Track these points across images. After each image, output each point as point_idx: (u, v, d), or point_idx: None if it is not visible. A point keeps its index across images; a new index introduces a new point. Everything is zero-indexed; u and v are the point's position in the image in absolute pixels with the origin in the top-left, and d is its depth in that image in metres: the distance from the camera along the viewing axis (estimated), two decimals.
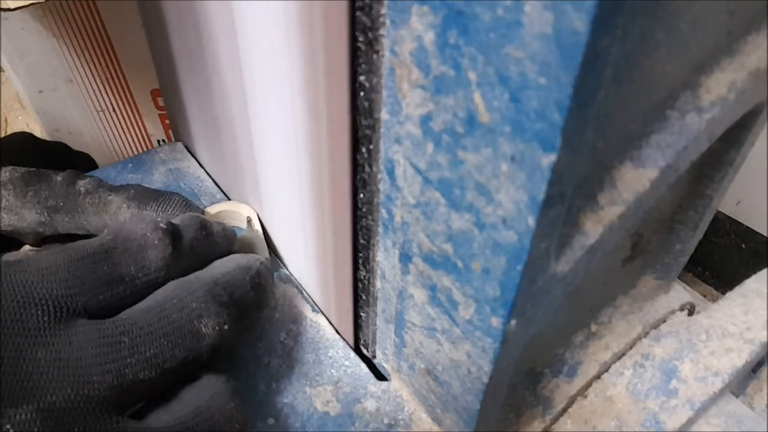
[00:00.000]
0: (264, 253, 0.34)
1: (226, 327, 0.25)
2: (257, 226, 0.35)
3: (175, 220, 0.28)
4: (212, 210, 0.36)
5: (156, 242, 0.26)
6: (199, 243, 0.28)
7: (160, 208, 0.32)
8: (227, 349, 0.26)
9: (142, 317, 0.23)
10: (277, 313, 0.32)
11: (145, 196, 0.33)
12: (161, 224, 0.26)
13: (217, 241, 0.29)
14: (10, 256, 0.23)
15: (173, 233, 0.26)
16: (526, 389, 0.29)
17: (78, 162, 0.50)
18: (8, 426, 0.19)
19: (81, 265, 0.24)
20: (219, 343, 0.25)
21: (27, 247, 0.34)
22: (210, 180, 0.41)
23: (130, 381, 0.22)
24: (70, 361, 0.21)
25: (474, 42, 0.14)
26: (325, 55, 0.20)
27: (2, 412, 0.19)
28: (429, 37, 0.16)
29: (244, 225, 0.36)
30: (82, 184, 0.32)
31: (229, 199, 0.39)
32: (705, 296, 0.53)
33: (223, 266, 0.27)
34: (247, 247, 0.34)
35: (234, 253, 0.30)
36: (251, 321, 0.28)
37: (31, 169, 0.32)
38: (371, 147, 0.21)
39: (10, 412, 0.19)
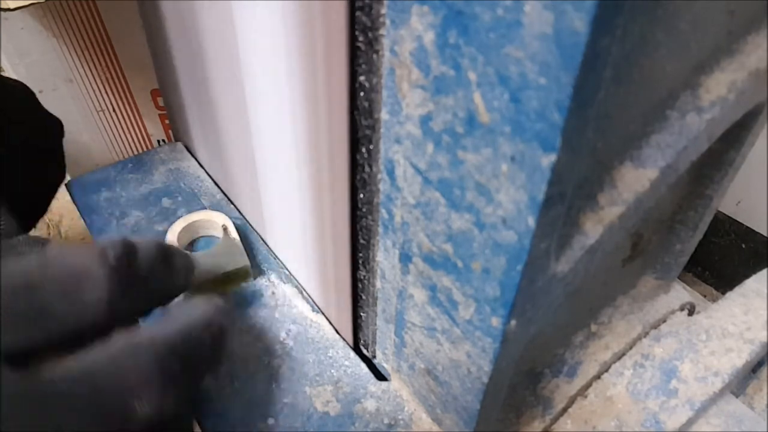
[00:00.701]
0: (243, 260, 0.33)
1: (167, 403, 0.21)
2: (234, 234, 0.34)
3: (136, 241, 0.24)
4: (186, 220, 0.35)
5: (99, 280, 0.22)
6: (156, 276, 0.25)
7: None
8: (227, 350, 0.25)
9: (66, 386, 0.20)
10: (277, 313, 0.32)
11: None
12: (110, 254, 0.23)
13: (175, 275, 0.26)
14: None
15: (125, 261, 0.23)
16: (526, 389, 0.29)
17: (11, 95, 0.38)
18: None
19: None
20: (156, 418, 0.21)
21: None
22: (210, 180, 0.41)
23: None
24: None
25: (474, 42, 0.14)
26: (325, 55, 0.20)
27: None
28: (429, 37, 0.16)
29: (219, 233, 0.35)
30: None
31: (229, 200, 0.39)
32: (705, 296, 0.53)
33: (181, 321, 0.23)
34: (226, 256, 0.33)
35: (188, 284, 0.28)
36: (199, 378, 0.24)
37: None
38: (371, 147, 0.21)
39: None
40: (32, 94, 0.37)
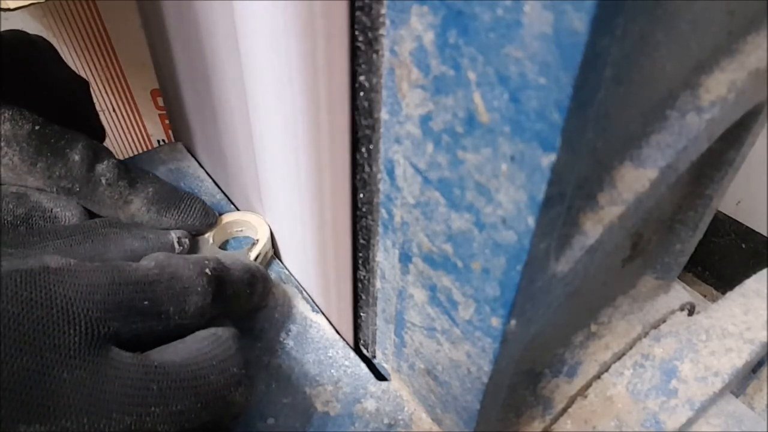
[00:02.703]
0: None
1: (251, 397, 0.25)
2: (253, 255, 0.33)
3: (227, 262, 0.28)
4: (227, 218, 0.35)
5: (199, 289, 0.25)
6: (240, 296, 0.28)
7: (180, 217, 0.32)
8: None
9: (176, 370, 0.22)
10: (277, 313, 0.32)
11: (165, 199, 0.32)
12: (207, 270, 0.26)
13: (254, 300, 0.29)
14: (50, 261, 0.23)
15: (218, 281, 0.26)
16: (526, 389, 0.29)
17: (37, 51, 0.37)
18: None
19: (122, 290, 0.23)
20: (243, 413, 0.24)
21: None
22: (210, 180, 0.41)
23: (147, 431, 0.21)
24: (93, 389, 0.20)
25: (474, 42, 0.14)
26: (325, 55, 0.20)
27: (14, 428, 0.19)
28: (429, 37, 0.16)
29: (255, 236, 0.35)
30: (102, 170, 0.31)
31: (230, 200, 0.39)
32: (705, 296, 0.53)
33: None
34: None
35: (262, 305, 0.31)
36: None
37: (37, 128, 0.29)
38: (371, 147, 0.21)
39: (21, 429, 0.19)
40: (54, 49, 0.37)
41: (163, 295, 0.24)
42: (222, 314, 0.27)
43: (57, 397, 0.20)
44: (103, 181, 0.31)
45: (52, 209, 0.31)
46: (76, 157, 0.30)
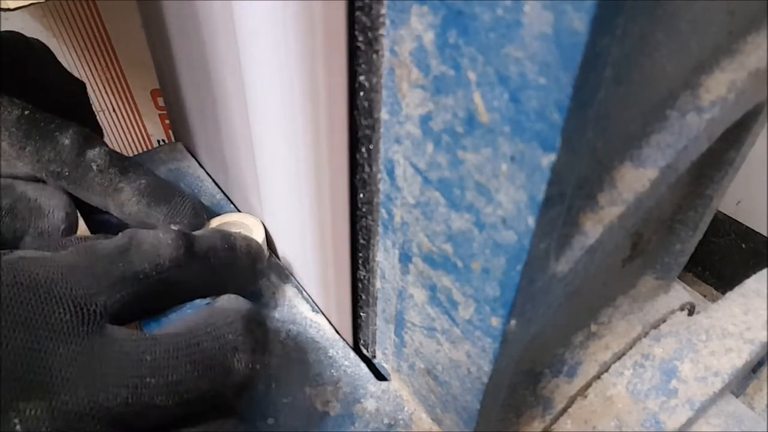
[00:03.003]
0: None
1: (257, 366, 0.24)
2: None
3: (199, 232, 0.28)
4: (218, 220, 0.35)
5: (170, 241, 0.26)
6: (217, 253, 0.28)
7: (169, 213, 0.32)
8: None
9: (168, 340, 0.22)
10: (277, 313, 0.32)
11: (156, 193, 0.32)
12: (173, 227, 0.27)
13: (237, 257, 0.29)
14: (26, 253, 0.23)
15: (187, 237, 0.27)
16: (526, 389, 0.29)
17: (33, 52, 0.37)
18: (16, 420, 0.19)
19: (97, 265, 0.24)
20: (246, 383, 0.24)
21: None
22: (210, 180, 0.41)
23: (145, 404, 0.21)
24: (89, 363, 0.21)
25: (474, 42, 0.14)
26: (325, 55, 0.20)
27: (13, 405, 0.19)
28: (429, 37, 0.16)
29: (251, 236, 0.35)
30: (93, 156, 0.31)
31: (230, 200, 0.39)
32: (705, 296, 0.53)
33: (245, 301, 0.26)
34: None
35: (259, 268, 0.31)
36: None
37: (26, 113, 0.30)
38: (371, 147, 0.21)
39: (21, 406, 0.19)
40: (51, 52, 0.37)
41: (135, 257, 0.25)
42: (214, 277, 0.28)
43: (55, 372, 0.20)
44: (94, 167, 0.31)
45: (36, 199, 0.31)
46: (66, 141, 0.30)
